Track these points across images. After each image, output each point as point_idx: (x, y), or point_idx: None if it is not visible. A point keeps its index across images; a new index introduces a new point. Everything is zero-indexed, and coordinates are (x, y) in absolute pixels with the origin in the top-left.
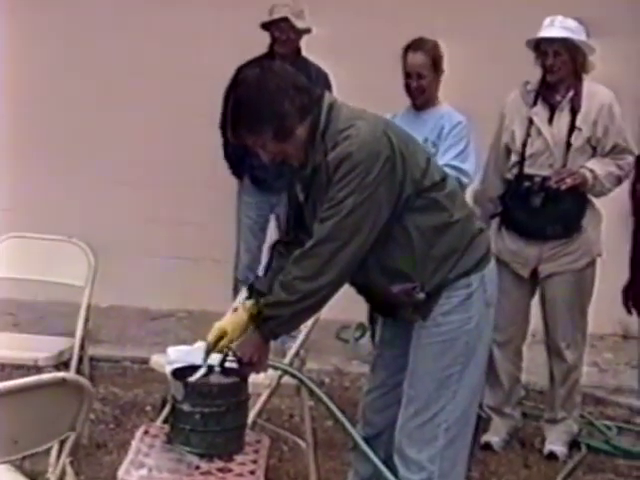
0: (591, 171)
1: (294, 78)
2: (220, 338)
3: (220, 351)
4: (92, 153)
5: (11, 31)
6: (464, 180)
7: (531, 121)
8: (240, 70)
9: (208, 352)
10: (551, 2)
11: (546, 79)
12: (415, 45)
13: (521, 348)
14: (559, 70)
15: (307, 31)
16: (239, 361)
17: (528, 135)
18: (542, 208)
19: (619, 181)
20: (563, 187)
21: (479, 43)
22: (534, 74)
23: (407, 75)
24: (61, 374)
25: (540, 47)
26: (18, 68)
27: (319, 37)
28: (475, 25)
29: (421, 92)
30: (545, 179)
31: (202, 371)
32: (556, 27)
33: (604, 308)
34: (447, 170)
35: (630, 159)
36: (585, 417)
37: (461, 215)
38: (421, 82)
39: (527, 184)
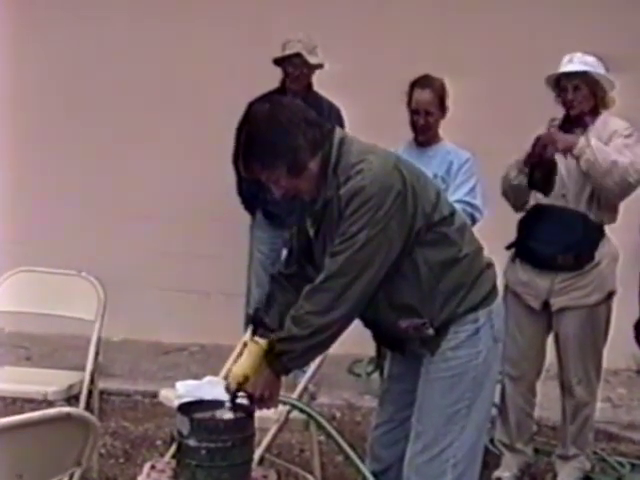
0: (587, 139)
1: (305, 112)
2: (242, 384)
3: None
4: (103, 187)
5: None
6: (477, 216)
7: None
8: (251, 105)
9: (234, 395)
10: (559, 40)
11: (568, 115)
12: (422, 82)
13: (535, 384)
14: (580, 104)
15: (319, 66)
16: (250, 397)
17: None
18: (555, 237)
19: (615, 167)
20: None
21: (484, 80)
22: (540, 112)
23: (414, 112)
24: (66, 409)
25: (560, 84)
26: (28, 95)
27: (330, 72)
28: (483, 62)
29: (428, 129)
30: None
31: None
32: (575, 63)
33: (618, 343)
34: (460, 206)
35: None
36: (598, 453)
37: (469, 250)
38: (428, 119)
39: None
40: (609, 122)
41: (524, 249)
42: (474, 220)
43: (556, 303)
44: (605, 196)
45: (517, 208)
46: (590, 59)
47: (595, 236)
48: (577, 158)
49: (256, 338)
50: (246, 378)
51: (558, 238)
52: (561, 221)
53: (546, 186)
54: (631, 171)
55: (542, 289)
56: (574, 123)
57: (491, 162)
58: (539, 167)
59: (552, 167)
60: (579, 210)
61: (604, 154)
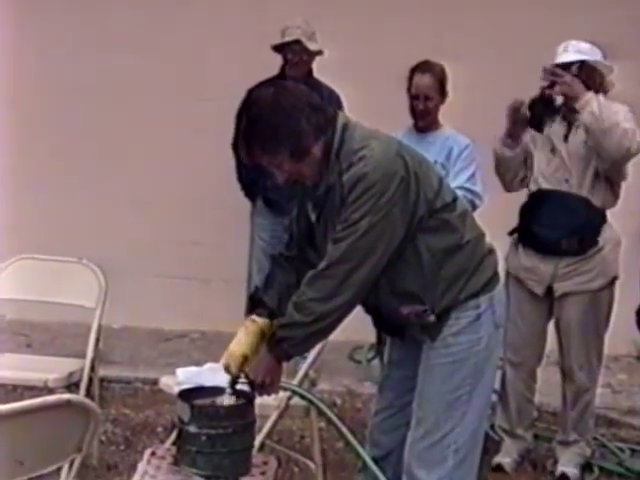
0: (594, 94)
1: (309, 97)
2: (242, 364)
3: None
4: (103, 173)
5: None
6: (477, 202)
7: (549, 140)
8: (251, 92)
9: (234, 382)
10: (556, 26)
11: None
12: (422, 67)
13: (535, 370)
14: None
15: (319, 53)
16: (251, 383)
17: (549, 152)
18: (558, 221)
19: (617, 127)
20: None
21: (483, 66)
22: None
23: (414, 97)
24: (66, 396)
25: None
26: (29, 84)
27: (330, 58)
28: (483, 48)
29: (427, 114)
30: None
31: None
32: (570, 52)
33: (618, 329)
34: (461, 193)
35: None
36: (598, 439)
37: (471, 236)
38: (427, 104)
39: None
40: (609, 105)
41: (527, 234)
42: (474, 207)
43: (559, 288)
44: (602, 158)
45: (507, 185)
46: (585, 46)
47: (598, 220)
48: (577, 112)
49: (254, 317)
50: (245, 357)
51: (562, 222)
52: (564, 205)
53: (540, 124)
54: (631, 137)
55: (546, 274)
56: (573, 108)
57: (490, 149)
58: (539, 103)
59: (549, 104)
60: (582, 194)
61: (609, 112)
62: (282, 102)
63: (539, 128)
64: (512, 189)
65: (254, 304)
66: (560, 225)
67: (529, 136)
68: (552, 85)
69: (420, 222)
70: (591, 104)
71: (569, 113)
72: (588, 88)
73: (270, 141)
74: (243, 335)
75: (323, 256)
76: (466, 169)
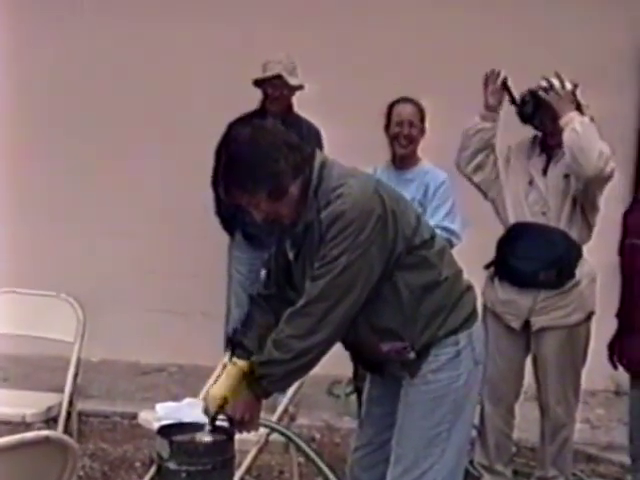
0: (579, 114)
1: (286, 136)
2: (221, 406)
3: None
4: (81, 204)
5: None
6: (455, 241)
7: (528, 172)
8: (231, 127)
9: (214, 418)
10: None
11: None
12: (403, 99)
13: (513, 405)
14: (555, 130)
15: (300, 88)
16: (230, 420)
17: (527, 184)
18: (536, 254)
19: (596, 149)
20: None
21: (462, 99)
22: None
23: (398, 124)
24: (44, 433)
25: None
26: (10, 114)
27: (309, 93)
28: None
29: (411, 141)
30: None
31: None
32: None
33: (596, 364)
34: (438, 231)
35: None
36: (577, 475)
37: (449, 273)
38: (412, 131)
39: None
40: None
41: (504, 267)
42: (452, 245)
43: (537, 322)
44: (578, 177)
45: (462, 160)
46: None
47: (575, 254)
48: (555, 147)
49: (234, 359)
50: (225, 400)
51: (540, 255)
52: (542, 238)
53: (533, 118)
54: (606, 160)
55: (523, 308)
56: (551, 140)
57: (465, 182)
58: (531, 99)
59: (540, 101)
60: (559, 227)
61: (591, 133)
62: (259, 142)
63: (530, 122)
64: (463, 168)
65: (233, 346)
66: (538, 257)
67: (504, 163)
68: (548, 89)
69: (398, 259)
70: (574, 122)
71: (550, 147)
72: (577, 109)
73: (249, 182)
74: (223, 377)
75: (301, 294)
76: (442, 206)
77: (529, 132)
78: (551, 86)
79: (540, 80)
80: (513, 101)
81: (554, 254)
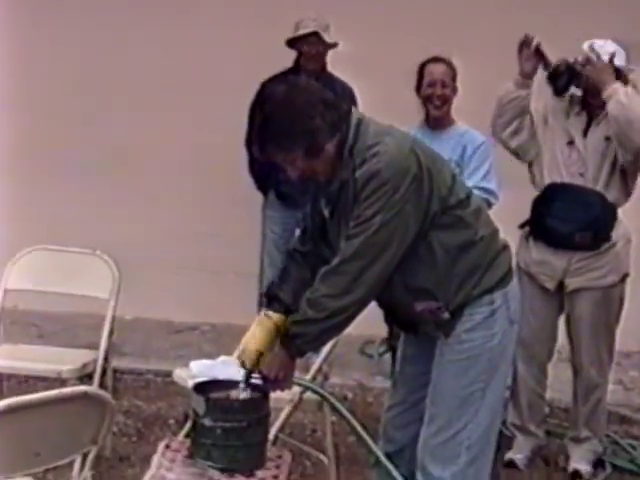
0: (623, 84)
1: (322, 94)
2: (258, 360)
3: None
4: (117, 167)
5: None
6: (492, 201)
7: (567, 132)
8: (264, 86)
9: (248, 376)
10: (577, 23)
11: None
12: (434, 59)
13: (546, 366)
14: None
15: (334, 45)
16: (264, 378)
17: (565, 145)
18: (572, 215)
19: None
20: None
21: (494, 60)
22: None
23: (430, 84)
24: (83, 388)
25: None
26: (38, 80)
27: (342, 52)
28: (492, 42)
29: (444, 101)
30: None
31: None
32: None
33: (630, 325)
34: (476, 192)
35: None
36: (610, 436)
37: (485, 232)
38: (445, 91)
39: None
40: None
41: (540, 227)
42: (489, 205)
43: (571, 284)
44: (625, 149)
45: (498, 127)
46: (610, 47)
47: (611, 216)
48: (599, 107)
49: (269, 313)
50: (260, 353)
51: (576, 216)
52: (579, 199)
53: (564, 89)
54: None
55: (558, 269)
56: (593, 101)
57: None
58: (565, 70)
59: (575, 74)
60: (596, 189)
61: (637, 103)
62: (295, 100)
63: (561, 93)
64: (499, 134)
65: (269, 299)
66: (574, 219)
67: (541, 122)
68: (585, 63)
69: (433, 219)
70: (618, 93)
71: (591, 107)
72: (617, 78)
73: (285, 139)
74: (257, 331)
75: (337, 252)
76: (481, 167)
77: None
78: (588, 60)
79: (576, 55)
80: (547, 66)
81: (590, 216)
